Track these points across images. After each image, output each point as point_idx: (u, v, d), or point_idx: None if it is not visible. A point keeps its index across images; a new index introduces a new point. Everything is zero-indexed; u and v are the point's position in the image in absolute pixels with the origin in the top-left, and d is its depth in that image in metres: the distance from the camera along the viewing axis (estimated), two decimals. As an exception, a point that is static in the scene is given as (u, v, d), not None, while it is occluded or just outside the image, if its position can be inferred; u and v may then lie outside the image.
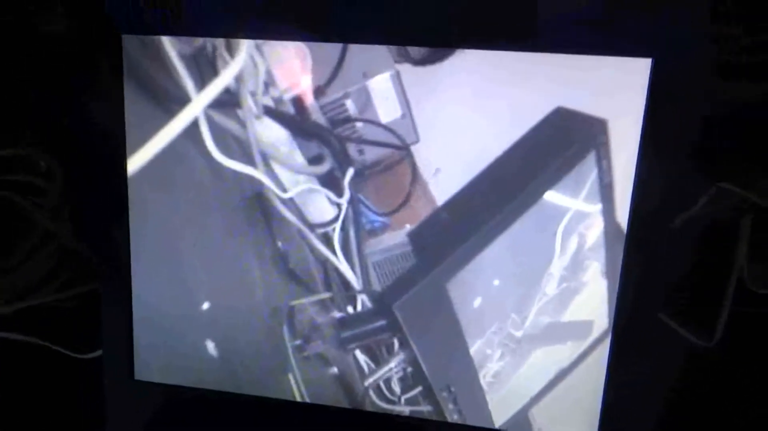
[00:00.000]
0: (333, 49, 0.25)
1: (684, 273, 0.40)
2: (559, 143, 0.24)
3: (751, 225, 0.45)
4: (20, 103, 0.49)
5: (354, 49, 0.24)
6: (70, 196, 0.49)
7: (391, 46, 0.24)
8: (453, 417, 0.27)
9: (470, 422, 0.27)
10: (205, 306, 0.28)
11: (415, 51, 0.24)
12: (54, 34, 0.37)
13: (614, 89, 0.23)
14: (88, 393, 0.40)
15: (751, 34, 0.30)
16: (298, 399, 0.28)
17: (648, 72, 0.23)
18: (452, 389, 0.26)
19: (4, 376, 0.41)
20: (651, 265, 0.24)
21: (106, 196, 0.28)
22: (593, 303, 0.25)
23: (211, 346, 0.28)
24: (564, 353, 0.25)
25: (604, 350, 0.25)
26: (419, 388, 0.27)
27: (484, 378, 0.26)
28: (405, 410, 0.27)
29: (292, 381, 0.28)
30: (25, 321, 0.42)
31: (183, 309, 0.28)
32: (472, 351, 0.26)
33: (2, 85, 0.52)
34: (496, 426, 0.27)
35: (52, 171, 0.49)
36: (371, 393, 0.27)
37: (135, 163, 0.27)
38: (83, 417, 0.38)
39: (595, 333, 0.25)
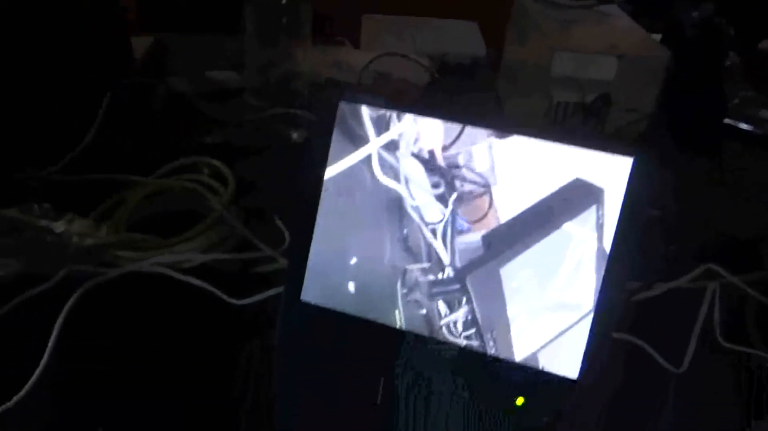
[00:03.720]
0: (457, 126, 0.43)
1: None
2: (577, 197, 0.42)
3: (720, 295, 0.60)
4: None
5: (468, 128, 0.43)
6: (241, 194, 0.69)
7: (489, 129, 0.43)
8: (491, 351, 0.44)
9: (501, 355, 0.43)
10: (353, 261, 0.45)
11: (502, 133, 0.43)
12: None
13: (611, 171, 0.41)
14: (240, 328, 0.55)
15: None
16: (399, 326, 0.45)
17: (631, 165, 0.41)
18: (493, 333, 0.43)
19: (182, 310, 0.56)
20: (621, 273, 0.41)
21: (307, 191, 0.46)
22: (585, 291, 0.42)
23: (352, 286, 0.45)
24: (564, 320, 0.42)
25: (588, 322, 0.42)
26: (473, 329, 0.43)
27: (514, 329, 0.43)
28: (462, 342, 0.44)
29: (397, 315, 0.44)
30: (202, 272, 0.60)
31: (339, 261, 0.45)
32: (509, 311, 0.43)
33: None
34: (516, 360, 0.43)
35: (225, 176, 0.69)
36: (443, 329, 0.44)
37: (329, 172, 0.45)
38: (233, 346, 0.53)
39: (584, 310, 0.42)
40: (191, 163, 0.73)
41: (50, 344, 0.49)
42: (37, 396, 0.47)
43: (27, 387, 0.47)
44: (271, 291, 0.56)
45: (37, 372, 0.48)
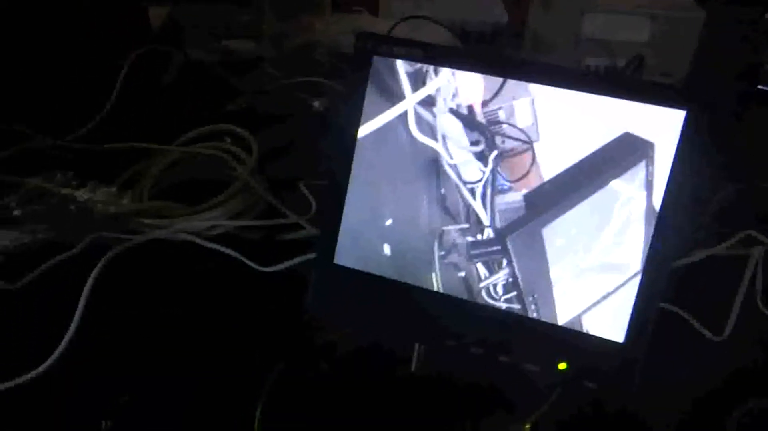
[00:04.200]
0: (497, 80, 0.41)
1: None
2: (624, 152, 0.40)
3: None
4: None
5: (510, 81, 0.41)
6: (265, 162, 0.67)
7: (532, 82, 0.41)
8: (532, 315, 0.42)
9: (543, 319, 0.42)
10: (388, 222, 0.43)
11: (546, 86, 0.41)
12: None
13: (662, 125, 0.39)
14: (267, 294, 0.54)
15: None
16: (436, 289, 0.43)
17: (683, 118, 0.39)
18: (535, 296, 0.42)
19: (208, 277, 0.56)
20: (671, 232, 0.40)
21: (340, 150, 0.44)
22: (633, 252, 0.40)
23: (387, 248, 0.44)
24: (609, 281, 0.41)
25: (635, 284, 0.40)
26: (514, 293, 0.42)
27: (556, 291, 0.42)
28: (503, 306, 0.42)
29: (434, 278, 0.43)
30: (227, 240, 0.59)
31: (373, 223, 0.43)
32: (551, 273, 0.42)
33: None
34: (559, 324, 0.42)
35: (248, 144, 0.68)
36: (483, 292, 0.43)
37: (363, 131, 0.43)
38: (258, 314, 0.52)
39: (632, 271, 0.40)
40: (214, 131, 0.72)
41: (78, 310, 0.49)
42: (66, 362, 0.46)
43: (56, 353, 0.46)
44: (298, 259, 0.55)
45: (66, 338, 0.47)
